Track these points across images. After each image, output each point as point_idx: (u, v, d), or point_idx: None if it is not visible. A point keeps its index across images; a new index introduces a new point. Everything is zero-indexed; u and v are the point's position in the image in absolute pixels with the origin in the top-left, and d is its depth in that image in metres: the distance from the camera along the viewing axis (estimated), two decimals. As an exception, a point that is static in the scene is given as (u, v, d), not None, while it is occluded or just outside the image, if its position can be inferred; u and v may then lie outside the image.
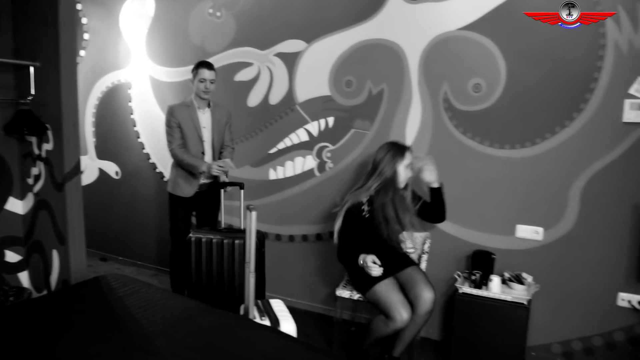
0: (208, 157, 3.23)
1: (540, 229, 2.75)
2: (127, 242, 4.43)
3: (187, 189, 3.19)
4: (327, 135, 3.26)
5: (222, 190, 3.28)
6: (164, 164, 4.02)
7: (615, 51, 2.50)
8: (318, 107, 3.27)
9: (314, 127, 3.30)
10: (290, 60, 3.33)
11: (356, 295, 2.68)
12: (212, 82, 3.12)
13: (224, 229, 3.05)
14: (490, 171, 2.83)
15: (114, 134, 4.35)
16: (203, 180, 3.24)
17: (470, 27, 2.79)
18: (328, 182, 3.28)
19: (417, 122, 2.98)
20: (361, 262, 2.52)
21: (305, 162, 3.35)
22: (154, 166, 4.13)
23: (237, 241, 2.83)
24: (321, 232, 3.35)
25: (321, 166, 3.31)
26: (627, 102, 2.50)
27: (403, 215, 2.61)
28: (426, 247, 2.89)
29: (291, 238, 3.46)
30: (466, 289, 2.66)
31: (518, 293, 2.60)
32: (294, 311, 3.31)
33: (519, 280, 2.67)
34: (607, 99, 2.53)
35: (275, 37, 3.36)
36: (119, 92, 4.29)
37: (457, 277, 2.81)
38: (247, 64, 3.50)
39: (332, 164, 3.27)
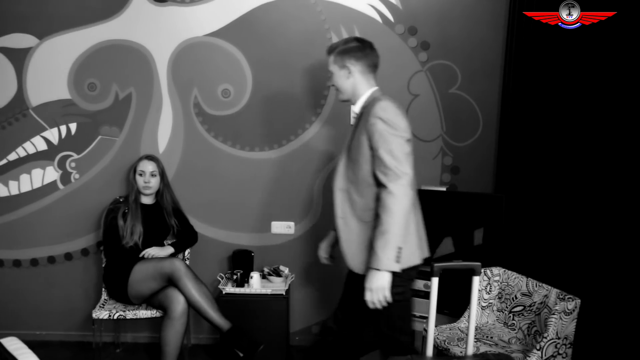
0: None
1: (292, 224, 3.00)
2: None
3: None
4: (69, 143, 2.94)
5: None
6: None
7: (341, 63, 2.86)
8: (57, 112, 2.92)
9: (53, 134, 2.94)
10: (19, 57, 2.89)
11: (116, 314, 2.54)
12: None
13: None
14: (243, 173, 2.96)
15: None
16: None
17: (216, 34, 2.86)
18: (76, 194, 2.96)
19: (168, 127, 2.93)
20: None
21: (46, 174, 2.96)
22: None
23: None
24: (71, 251, 3.01)
25: (65, 177, 2.96)
26: (353, 107, 2.88)
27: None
28: (187, 252, 2.87)
29: (34, 262, 3.02)
30: (229, 288, 2.73)
31: (277, 285, 2.79)
32: (47, 344, 2.95)
33: (277, 273, 2.87)
34: (337, 104, 2.89)
35: (-4, 29, 2.88)
36: None
37: (219, 278, 2.86)
38: (-44, 59, 2.90)
39: (78, 175, 2.96)
